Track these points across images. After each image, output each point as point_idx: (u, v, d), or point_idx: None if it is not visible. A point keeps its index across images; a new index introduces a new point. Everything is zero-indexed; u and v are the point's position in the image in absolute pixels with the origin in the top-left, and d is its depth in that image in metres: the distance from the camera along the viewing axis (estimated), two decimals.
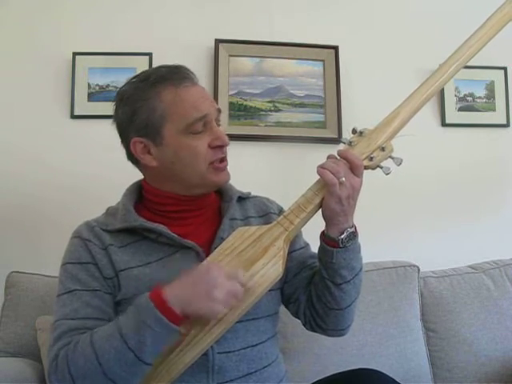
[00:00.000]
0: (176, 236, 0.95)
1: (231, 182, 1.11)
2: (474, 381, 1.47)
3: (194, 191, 1.00)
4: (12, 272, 1.45)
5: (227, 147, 1.01)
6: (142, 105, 0.96)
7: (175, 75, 0.98)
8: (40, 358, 1.28)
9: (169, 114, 0.95)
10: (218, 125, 1.01)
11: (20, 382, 1.14)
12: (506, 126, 1.92)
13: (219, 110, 1.02)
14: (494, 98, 1.92)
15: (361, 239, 0.97)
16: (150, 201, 1.03)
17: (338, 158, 0.92)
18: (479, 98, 1.92)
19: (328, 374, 1.03)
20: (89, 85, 1.74)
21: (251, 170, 1.73)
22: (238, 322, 0.89)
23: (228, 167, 1.02)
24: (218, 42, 1.78)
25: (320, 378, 1.04)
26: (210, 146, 0.97)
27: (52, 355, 0.85)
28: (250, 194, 1.13)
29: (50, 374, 0.84)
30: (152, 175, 1.02)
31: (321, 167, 0.90)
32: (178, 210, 1.01)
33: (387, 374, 0.93)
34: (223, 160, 1.00)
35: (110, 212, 1.04)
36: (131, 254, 0.95)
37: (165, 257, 0.95)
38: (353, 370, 0.97)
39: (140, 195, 1.05)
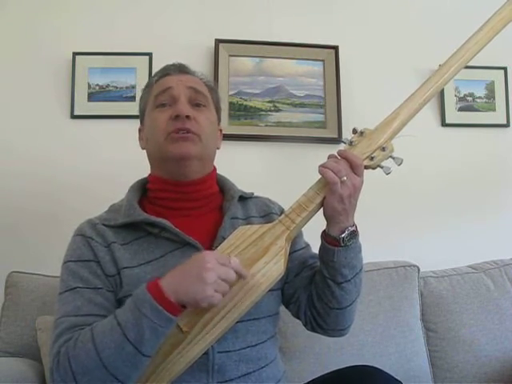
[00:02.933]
0: (179, 231, 0.95)
1: (232, 181, 1.12)
2: (474, 381, 1.47)
3: (168, 170, 1.01)
4: (12, 272, 1.44)
5: (194, 123, 0.99)
6: (141, 97, 1.11)
7: (169, 68, 1.07)
8: (40, 358, 1.28)
9: (150, 99, 1.05)
10: (197, 105, 1.03)
11: (20, 382, 1.13)
12: (506, 125, 1.93)
13: (195, 90, 1.03)
14: (493, 98, 1.93)
15: (361, 239, 0.97)
16: (150, 190, 1.05)
17: (339, 157, 0.92)
18: (479, 97, 1.93)
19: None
20: (89, 85, 1.74)
21: (251, 169, 1.73)
22: (238, 322, 0.89)
23: (193, 148, 0.98)
24: (218, 41, 1.78)
25: None
26: (170, 118, 0.99)
27: (54, 352, 0.84)
28: (252, 194, 1.14)
29: (52, 370, 0.84)
30: (149, 162, 1.07)
31: (322, 166, 0.91)
32: (170, 197, 1.02)
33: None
34: (182, 131, 0.98)
35: (113, 208, 1.04)
36: (133, 252, 0.95)
37: (166, 254, 0.95)
38: (352, 367, 0.96)
39: (144, 191, 1.07)
